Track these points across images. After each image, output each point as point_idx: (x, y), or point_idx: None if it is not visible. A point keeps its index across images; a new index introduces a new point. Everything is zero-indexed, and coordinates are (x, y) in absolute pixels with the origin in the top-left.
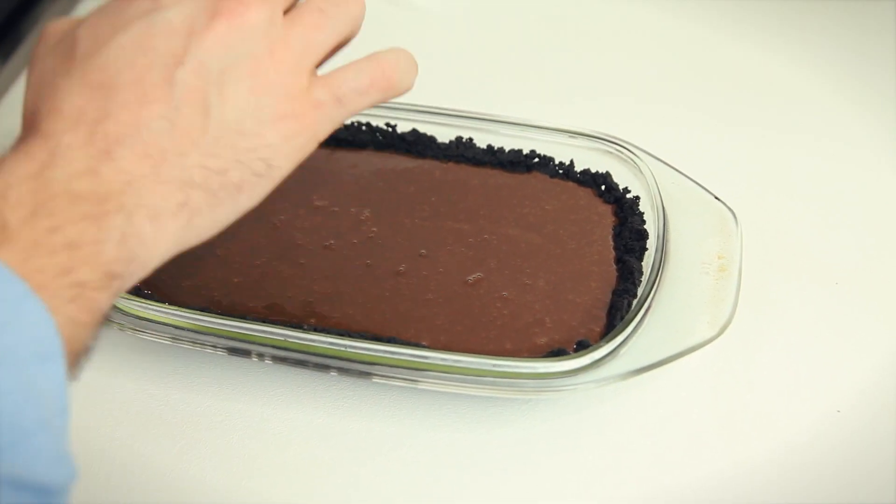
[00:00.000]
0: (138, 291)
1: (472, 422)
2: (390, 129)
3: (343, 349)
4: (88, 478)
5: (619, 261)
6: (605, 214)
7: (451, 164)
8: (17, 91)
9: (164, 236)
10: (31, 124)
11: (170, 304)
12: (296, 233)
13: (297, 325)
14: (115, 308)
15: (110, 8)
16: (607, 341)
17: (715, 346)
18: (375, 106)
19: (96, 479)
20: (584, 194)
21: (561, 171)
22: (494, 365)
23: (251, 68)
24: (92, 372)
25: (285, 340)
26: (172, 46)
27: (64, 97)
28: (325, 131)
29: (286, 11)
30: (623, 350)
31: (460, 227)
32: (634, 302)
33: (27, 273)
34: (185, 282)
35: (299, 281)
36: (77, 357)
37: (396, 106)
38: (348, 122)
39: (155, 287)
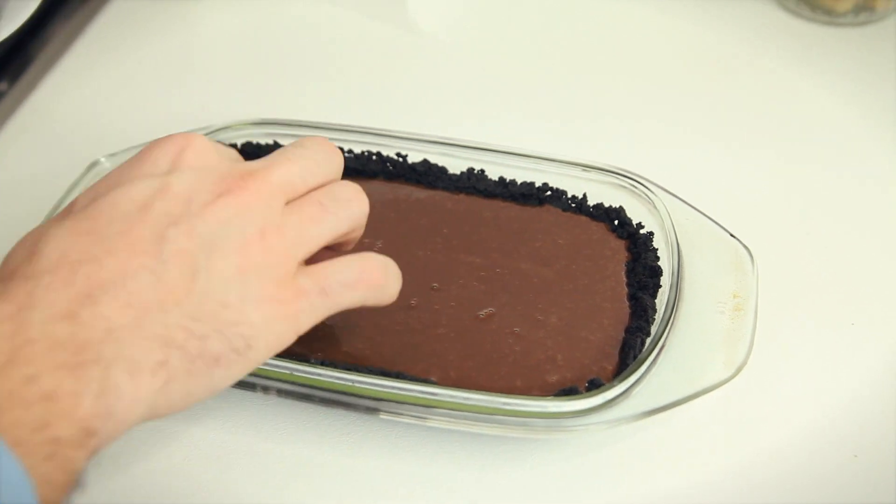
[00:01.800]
0: None
1: (481, 460)
2: (401, 159)
3: (350, 384)
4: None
5: (632, 297)
6: (618, 250)
7: (462, 196)
8: (25, 113)
9: (140, 395)
10: (5, 273)
11: None
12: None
13: (303, 359)
14: None
15: (116, 170)
16: (620, 381)
17: (730, 388)
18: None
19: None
20: (597, 229)
21: (573, 205)
22: (505, 403)
23: (240, 246)
24: None
25: (291, 374)
26: (168, 207)
27: (49, 241)
28: (306, 323)
29: (292, 201)
30: (636, 390)
31: (472, 260)
32: (648, 340)
33: (2, 427)
34: None
35: None
36: None
37: (407, 136)
38: (358, 150)
39: None
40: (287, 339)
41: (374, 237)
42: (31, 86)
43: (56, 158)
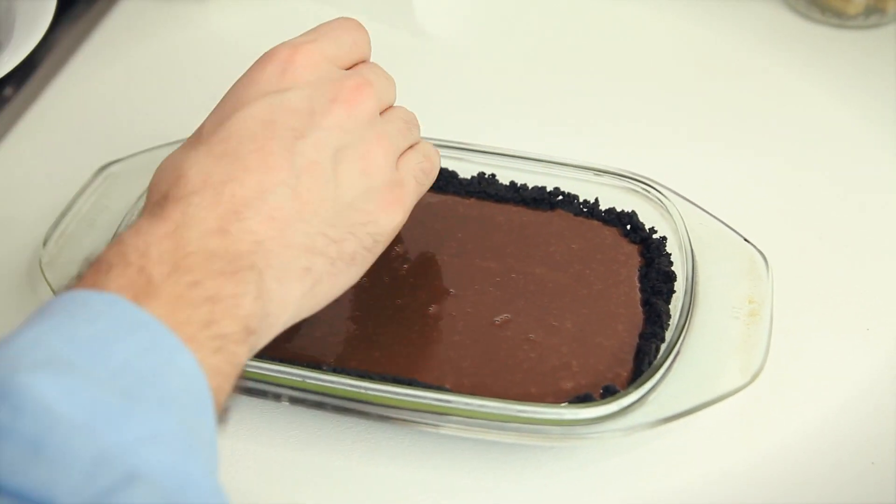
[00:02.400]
0: None
1: (494, 468)
2: None
3: (363, 391)
4: None
5: (645, 303)
6: (631, 255)
7: (473, 201)
8: (31, 118)
9: (290, 298)
10: (157, 196)
11: None
12: None
13: (315, 366)
14: None
15: (231, 93)
16: (635, 388)
17: (745, 394)
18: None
19: None
20: (610, 233)
21: (585, 210)
22: (519, 411)
23: (363, 151)
24: None
25: (303, 381)
26: (293, 122)
27: (190, 166)
28: (409, 207)
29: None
30: (651, 397)
31: (488, 265)
32: (663, 346)
33: (175, 325)
34: None
35: (327, 322)
36: (221, 411)
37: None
38: None
39: None
40: (400, 224)
41: (393, 241)
42: (38, 91)
43: (64, 163)
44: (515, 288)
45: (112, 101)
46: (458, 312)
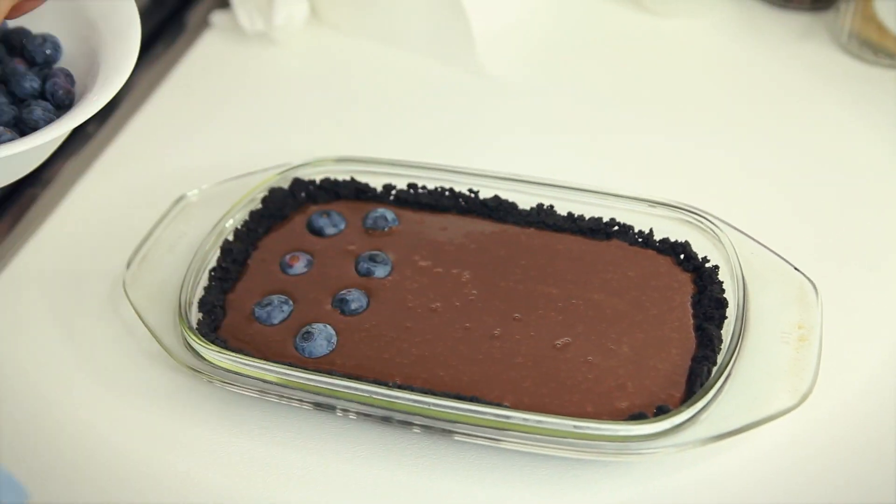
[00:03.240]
0: (226, 345)
1: (550, 484)
2: (473, 195)
3: (427, 406)
4: None
5: (698, 328)
6: (684, 282)
7: (532, 230)
8: (112, 153)
9: None
10: None
11: (260, 358)
12: (406, 294)
13: (382, 382)
14: (204, 360)
15: None
16: (688, 406)
17: (795, 416)
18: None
19: None
20: (664, 262)
21: (640, 240)
22: (576, 426)
23: None
24: (179, 423)
25: (370, 397)
26: None
27: None
28: None
29: None
30: (703, 416)
31: (550, 290)
32: (714, 369)
33: None
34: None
35: (397, 343)
36: None
37: (479, 173)
38: (431, 186)
39: (247, 342)
40: None
41: (461, 267)
42: (119, 127)
43: (144, 195)
44: (576, 313)
45: (187, 137)
46: (522, 336)
